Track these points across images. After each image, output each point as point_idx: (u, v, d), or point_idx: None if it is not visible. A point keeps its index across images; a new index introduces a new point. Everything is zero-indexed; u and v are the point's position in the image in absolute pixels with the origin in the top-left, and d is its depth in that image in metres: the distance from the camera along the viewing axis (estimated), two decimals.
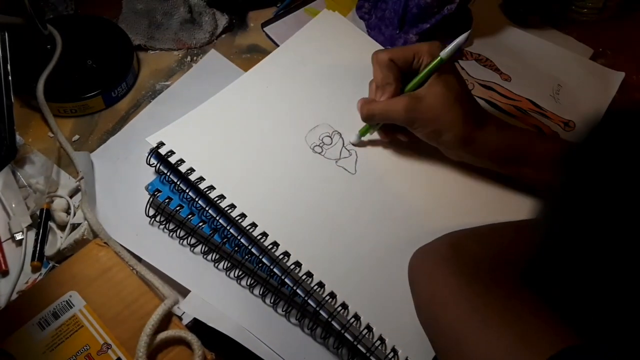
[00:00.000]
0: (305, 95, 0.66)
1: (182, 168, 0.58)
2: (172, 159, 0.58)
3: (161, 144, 0.59)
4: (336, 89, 0.66)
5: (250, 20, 0.78)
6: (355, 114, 0.63)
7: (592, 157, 0.35)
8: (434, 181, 0.62)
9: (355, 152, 0.62)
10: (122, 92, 0.70)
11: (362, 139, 0.63)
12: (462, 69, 0.75)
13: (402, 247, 0.57)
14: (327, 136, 0.63)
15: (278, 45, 0.75)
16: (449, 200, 0.61)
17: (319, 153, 0.62)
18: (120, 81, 0.69)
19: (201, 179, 0.57)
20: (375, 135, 0.63)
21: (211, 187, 0.57)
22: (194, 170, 0.58)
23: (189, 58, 0.74)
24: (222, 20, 0.77)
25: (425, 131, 0.58)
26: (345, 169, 0.61)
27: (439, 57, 0.57)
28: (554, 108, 0.72)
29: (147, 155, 0.60)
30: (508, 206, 0.61)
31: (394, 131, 0.61)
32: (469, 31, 0.58)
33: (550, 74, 0.76)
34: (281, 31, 0.76)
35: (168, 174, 0.59)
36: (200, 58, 0.73)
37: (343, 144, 0.63)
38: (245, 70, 0.71)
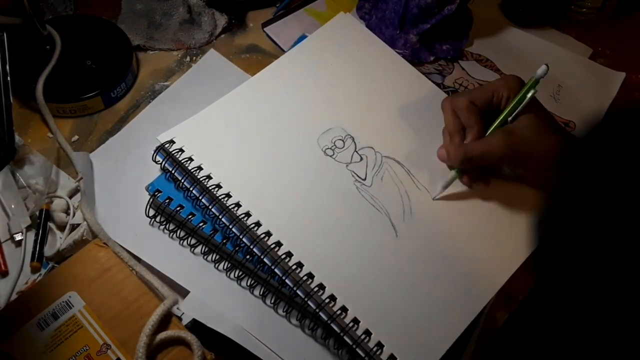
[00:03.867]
0: (319, 98, 0.65)
1: (190, 166, 0.58)
2: (181, 157, 0.58)
3: (171, 141, 0.59)
4: (351, 93, 0.66)
5: (250, 20, 0.78)
6: (370, 118, 0.63)
7: (593, 157, 0.35)
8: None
9: (366, 157, 0.62)
10: (121, 92, 0.70)
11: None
12: (463, 69, 0.75)
13: (405, 254, 0.56)
14: (340, 139, 0.62)
15: (278, 46, 0.75)
16: (455, 205, 0.60)
17: (330, 156, 0.61)
18: (119, 81, 0.69)
19: (208, 177, 0.57)
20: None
21: (218, 186, 0.57)
22: (201, 169, 0.58)
23: (188, 58, 0.74)
24: (222, 20, 0.76)
25: (529, 167, 0.56)
26: (356, 174, 0.61)
27: (534, 78, 0.55)
28: (554, 108, 0.72)
29: (153, 152, 0.59)
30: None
31: (475, 178, 0.59)
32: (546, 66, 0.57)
33: (550, 74, 0.75)
34: (282, 31, 0.76)
35: (173, 171, 0.59)
36: (200, 58, 0.73)
37: (355, 148, 0.62)
38: (245, 70, 0.71)
